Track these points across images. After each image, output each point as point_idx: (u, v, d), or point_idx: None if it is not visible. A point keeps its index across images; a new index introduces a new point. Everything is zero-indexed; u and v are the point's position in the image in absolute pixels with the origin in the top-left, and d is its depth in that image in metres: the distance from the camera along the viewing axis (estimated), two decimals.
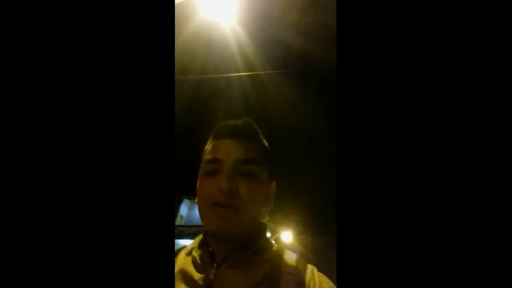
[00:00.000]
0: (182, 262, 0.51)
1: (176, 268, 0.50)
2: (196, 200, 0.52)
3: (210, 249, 0.49)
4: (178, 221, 14.88)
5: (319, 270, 0.51)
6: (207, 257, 0.49)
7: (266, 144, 0.55)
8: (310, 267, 0.49)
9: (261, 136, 0.54)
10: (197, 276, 0.47)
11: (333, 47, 0.48)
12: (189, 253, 0.52)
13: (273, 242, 0.54)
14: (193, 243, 0.54)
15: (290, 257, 0.50)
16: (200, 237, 0.54)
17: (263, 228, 0.54)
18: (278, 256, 0.49)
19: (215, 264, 0.47)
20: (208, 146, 0.53)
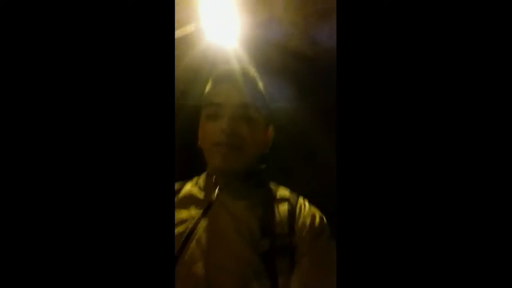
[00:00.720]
0: (189, 188, 0.55)
1: (182, 193, 0.54)
2: (199, 143, 0.55)
3: (215, 177, 0.54)
4: None
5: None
6: (211, 182, 0.53)
7: (263, 89, 0.56)
8: (301, 198, 0.53)
9: (259, 81, 0.56)
10: (201, 195, 0.52)
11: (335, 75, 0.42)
12: (195, 183, 0.57)
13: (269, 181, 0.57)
14: (194, 179, 0.58)
15: (284, 191, 0.54)
16: (204, 174, 0.57)
17: (261, 166, 0.57)
18: (274, 188, 0.54)
19: (218, 187, 0.52)
20: (208, 91, 0.55)
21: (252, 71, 0.56)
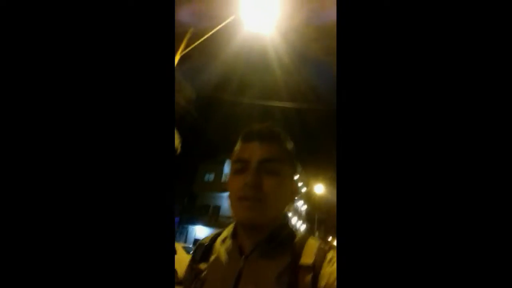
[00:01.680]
0: (218, 250, 0.58)
1: (213, 256, 0.58)
2: (228, 196, 0.59)
3: (240, 242, 0.56)
4: (223, 179, 16.05)
5: None
6: (237, 249, 0.55)
7: (290, 145, 0.60)
8: (328, 257, 0.51)
9: (284, 138, 0.59)
10: (229, 265, 0.54)
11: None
12: (223, 241, 0.59)
13: (296, 231, 0.59)
14: (227, 230, 0.61)
15: (311, 248, 0.53)
16: (232, 225, 0.60)
17: (286, 221, 0.59)
18: (300, 246, 0.53)
19: (243, 256, 0.53)
20: (237, 148, 0.59)
21: (278, 129, 0.59)
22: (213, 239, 0.63)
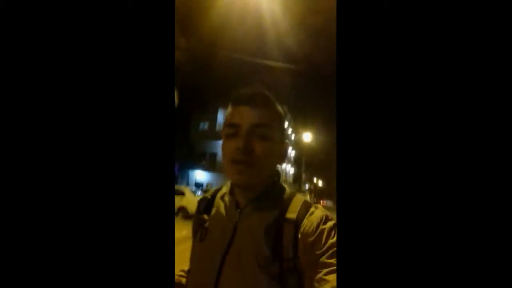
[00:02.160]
0: (217, 204, 0.65)
1: (214, 208, 0.64)
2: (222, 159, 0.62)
3: (236, 198, 0.60)
4: (217, 128, 24.69)
5: None
6: (233, 204, 0.60)
7: (280, 109, 0.61)
8: (310, 211, 0.55)
9: (274, 102, 0.60)
10: (227, 218, 0.60)
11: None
12: (222, 197, 0.65)
13: (286, 187, 0.63)
14: (226, 186, 0.66)
15: (297, 203, 0.57)
16: (228, 187, 0.65)
17: (277, 178, 0.62)
18: (287, 202, 0.57)
19: (238, 210, 0.59)
20: (228, 112, 0.60)
21: (268, 93, 0.60)
22: (214, 193, 0.68)
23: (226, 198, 0.63)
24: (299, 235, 0.51)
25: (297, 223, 0.53)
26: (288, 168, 30.69)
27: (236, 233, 0.56)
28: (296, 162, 34.16)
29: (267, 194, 0.58)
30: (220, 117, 20.05)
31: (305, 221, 0.53)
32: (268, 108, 0.58)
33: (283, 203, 0.57)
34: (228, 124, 0.58)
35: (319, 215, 0.54)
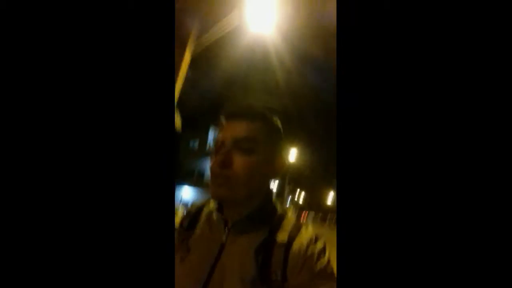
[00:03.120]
0: (203, 221, 0.60)
1: (199, 224, 0.60)
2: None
3: (223, 216, 0.57)
4: (207, 147, 25.19)
5: None
6: (221, 222, 0.56)
7: (273, 124, 0.58)
8: (302, 233, 0.53)
9: (264, 116, 0.57)
10: (213, 237, 0.56)
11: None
12: (209, 214, 0.61)
13: (277, 206, 0.58)
14: (213, 202, 0.62)
15: (287, 224, 0.54)
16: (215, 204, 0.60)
17: (270, 197, 0.58)
18: (278, 223, 0.54)
19: (226, 228, 0.55)
20: (219, 128, 0.58)
21: (256, 107, 0.57)
22: (200, 208, 0.64)
23: (214, 216, 0.59)
24: (289, 257, 0.50)
25: (287, 246, 0.51)
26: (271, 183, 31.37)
27: (222, 254, 0.53)
28: (281, 177, 34.97)
29: (257, 213, 0.55)
30: (211, 135, 20.05)
31: (295, 243, 0.51)
32: (255, 121, 0.55)
33: (274, 223, 0.55)
34: (216, 139, 0.57)
35: (309, 236, 0.52)
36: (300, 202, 44.16)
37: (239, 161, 0.52)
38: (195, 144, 20.71)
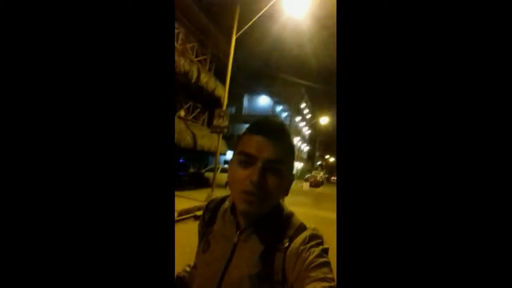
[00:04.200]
0: (219, 220, 0.64)
1: (216, 225, 0.64)
2: (227, 181, 0.60)
3: (237, 219, 0.60)
4: (243, 112, 27.21)
5: None
6: (234, 224, 0.60)
7: (292, 143, 0.60)
8: (302, 237, 0.54)
9: (289, 137, 0.59)
10: (227, 237, 0.59)
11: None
12: (224, 213, 0.64)
13: (285, 208, 0.61)
14: (228, 201, 0.65)
15: (291, 229, 0.57)
16: (231, 199, 0.63)
17: (280, 204, 0.61)
18: (283, 228, 0.57)
19: (238, 232, 0.58)
20: (244, 139, 0.57)
21: (286, 126, 0.59)
22: (218, 204, 0.67)
23: (227, 217, 0.62)
24: (286, 259, 0.53)
25: (286, 249, 0.54)
26: (302, 147, 32.55)
27: (234, 253, 0.57)
28: (311, 141, 36.22)
29: (266, 219, 0.57)
30: (245, 103, 21.58)
31: (291, 246, 0.54)
32: (284, 143, 0.56)
33: (280, 227, 0.58)
34: (242, 152, 0.56)
35: (303, 236, 0.54)
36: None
37: (271, 182, 0.53)
38: (233, 110, 22.57)
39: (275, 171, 0.54)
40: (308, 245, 0.52)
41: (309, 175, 26.30)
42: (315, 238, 0.54)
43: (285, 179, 0.57)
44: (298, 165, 29.55)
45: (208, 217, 0.66)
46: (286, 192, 0.59)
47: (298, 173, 29.27)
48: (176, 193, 6.65)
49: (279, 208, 0.60)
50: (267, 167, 0.53)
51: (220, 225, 0.63)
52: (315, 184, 22.19)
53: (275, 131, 0.56)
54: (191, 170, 10.41)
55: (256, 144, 0.55)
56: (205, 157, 10.71)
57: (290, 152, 0.58)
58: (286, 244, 0.54)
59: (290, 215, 0.60)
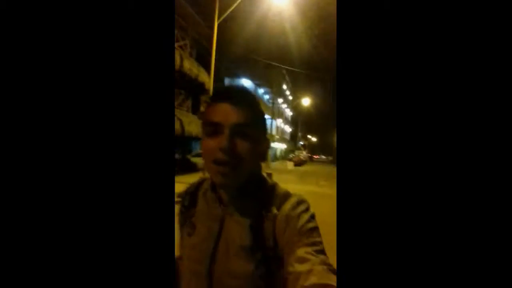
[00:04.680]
0: (200, 200, 0.63)
1: (198, 205, 0.62)
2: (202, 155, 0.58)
3: (218, 194, 0.59)
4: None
5: None
6: (216, 200, 0.58)
7: (261, 108, 0.58)
8: (289, 203, 0.54)
9: (256, 101, 0.57)
10: (211, 214, 0.58)
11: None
12: (204, 193, 0.62)
13: (266, 178, 0.61)
14: (206, 182, 0.64)
15: (277, 196, 0.57)
16: (209, 183, 0.62)
17: (257, 173, 0.60)
18: (268, 196, 0.57)
19: (222, 205, 0.58)
20: (209, 109, 0.56)
21: (250, 91, 0.58)
22: (196, 187, 0.66)
23: (208, 195, 0.61)
24: (276, 224, 0.53)
25: (275, 215, 0.54)
26: (286, 128, 33.24)
27: (222, 228, 0.56)
28: (293, 122, 36.91)
29: (249, 189, 0.56)
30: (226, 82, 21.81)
31: (281, 211, 0.54)
32: (251, 106, 0.55)
33: (265, 197, 0.57)
34: (208, 122, 0.54)
35: (290, 203, 0.54)
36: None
37: (241, 147, 0.52)
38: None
39: (245, 136, 0.52)
40: (298, 211, 0.53)
41: (293, 155, 27.07)
42: (303, 203, 0.55)
43: (258, 143, 0.55)
44: (281, 146, 30.14)
45: (188, 201, 0.64)
46: (262, 158, 0.59)
47: (283, 153, 29.94)
48: None
49: (261, 178, 0.60)
50: (235, 133, 0.52)
51: (202, 205, 0.62)
52: (299, 163, 22.95)
53: (239, 96, 0.54)
54: (176, 156, 10.47)
55: (221, 111, 0.53)
56: (188, 142, 10.81)
57: (259, 116, 0.56)
58: (275, 211, 0.54)
59: (274, 184, 0.60)
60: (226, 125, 0.52)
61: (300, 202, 0.55)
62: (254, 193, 0.57)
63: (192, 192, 0.65)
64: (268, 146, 0.60)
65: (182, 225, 0.64)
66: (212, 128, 0.53)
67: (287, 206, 0.54)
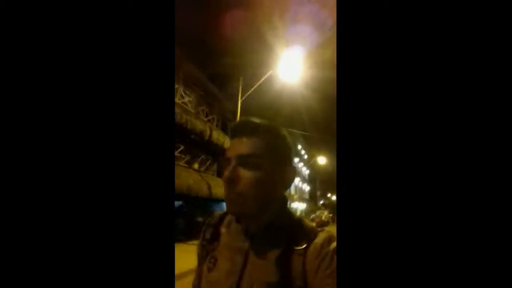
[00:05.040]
0: (224, 232, 0.61)
1: (221, 239, 0.60)
2: None
3: (242, 226, 0.57)
4: None
5: None
6: (242, 232, 0.57)
7: (276, 135, 0.57)
8: (320, 238, 0.52)
9: (265, 131, 0.56)
10: (236, 247, 0.56)
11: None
12: (229, 224, 0.61)
13: (293, 213, 0.60)
14: (230, 215, 0.62)
15: (305, 231, 0.54)
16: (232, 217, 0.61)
17: (283, 205, 0.59)
18: (296, 230, 0.55)
19: (248, 238, 0.56)
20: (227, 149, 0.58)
21: (254, 122, 0.57)
22: (220, 219, 0.64)
23: (233, 227, 0.60)
24: (306, 262, 0.50)
25: (304, 252, 0.51)
26: (304, 187, 33.21)
27: (247, 263, 0.54)
28: (311, 181, 37.01)
29: (275, 223, 0.56)
30: None
31: (311, 248, 0.52)
32: (261, 137, 0.55)
33: (292, 232, 0.55)
34: (223, 158, 0.57)
35: (322, 238, 0.52)
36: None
37: (245, 177, 0.52)
38: None
39: (251, 165, 0.53)
40: (331, 248, 0.51)
41: (314, 215, 26.34)
42: (334, 241, 0.52)
43: (271, 173, 0.54)
44: (301, 206, 29.77)
45: (210, 233, 0.62)
46: (282, 187, 0.58)
47: (303, 214, 29.30)
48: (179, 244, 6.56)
49: (287, 212, 0.59)
50: (240, 163, 0.53)
51: (225, 238, 0.60)
52: (321, 225, 22.16)
53: (247, 129, 0.55)
54: (198, 218, 9.24)
55: (231, 147, 0.56)
56: (203, 203, 10.91)
57: (272, 145, 0.56)
58: (302, 247, 0.52)
59: (301, 219, 0.59)
60: (232, 157, 0.54)
61: (332, 239, 0.53)
62: (280, 227, 0.56)
63: (215, 225, 0.63)
64: (291, 176, 0.59)
65: (201, 260, 0.61)
66: (225, 163, 0.55)
67: (319, 241, 0.52)
